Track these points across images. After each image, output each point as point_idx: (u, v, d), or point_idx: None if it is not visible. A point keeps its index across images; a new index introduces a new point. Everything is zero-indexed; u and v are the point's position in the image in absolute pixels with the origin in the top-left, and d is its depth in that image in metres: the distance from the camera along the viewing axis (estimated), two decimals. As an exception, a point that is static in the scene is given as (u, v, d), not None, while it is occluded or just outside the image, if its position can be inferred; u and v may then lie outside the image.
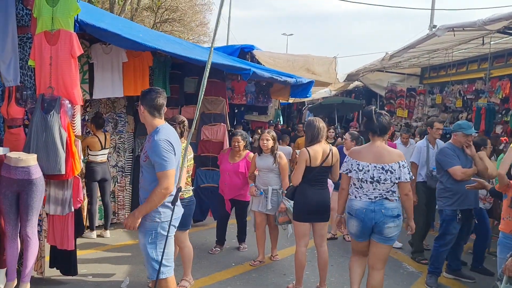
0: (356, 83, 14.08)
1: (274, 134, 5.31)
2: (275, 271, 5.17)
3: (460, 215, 4.77)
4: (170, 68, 6.67)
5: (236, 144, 5.59)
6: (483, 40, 7.82)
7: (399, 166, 3.76)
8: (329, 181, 4.76)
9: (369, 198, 3.78)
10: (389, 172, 3.74)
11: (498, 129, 8.84)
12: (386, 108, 12.87)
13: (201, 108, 7.00)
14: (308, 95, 8.72)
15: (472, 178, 4.40)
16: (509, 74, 8.51)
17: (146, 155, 3.26)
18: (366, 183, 3.78)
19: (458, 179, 4.74)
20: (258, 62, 9.50)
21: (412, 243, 6.01)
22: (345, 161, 3.99)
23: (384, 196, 3.75)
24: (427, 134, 6.11)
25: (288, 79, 7.72)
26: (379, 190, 3.75)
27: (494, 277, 4.99)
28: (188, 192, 4.39)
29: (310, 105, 17.47)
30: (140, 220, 3.20)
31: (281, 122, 14.05)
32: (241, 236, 6.00)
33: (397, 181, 3.76)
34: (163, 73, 6.49)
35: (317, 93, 15.63)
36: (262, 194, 5.22)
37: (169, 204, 3.24)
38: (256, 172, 5.35)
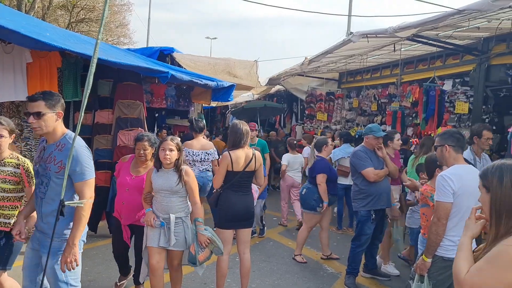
0: (278, 87, 14.27)
1: (179, 142, 3.99)
2: (195, 281, 5.00)
3: (374, 215, 4.94)
4: (82, 69, 6.27)
5: (142, 152, 4.22)
6: (394, 47, 8.23)
7: None
8: (254, 186, 4.69)
9: None
10: None
11: (409, 132, 9.36)
12: (306, 112, 13.20)
13: (117, 112, 6.66)
14: (230, 99, 8.66)
15: (408, 178, 4.70)
16: (418, 79, 9.05)
17: (60, 165, 2.87)
18: None
19: (371, 181, 4.91)
20: (179, 65, 9.29)
21: None
22: None
23: None
24: (472, 143, 5.01)
25: (209, 83, 7.61)
26: None
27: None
28: None
29: (233, 109, 17.47)
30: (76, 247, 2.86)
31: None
32: (139, 275, 4.49)
33: None
34: (73, 75, 6.09)
35: (240, 97, 15.65)
36: (163, 225, 3.90)
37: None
38: (152, 193, 4.05)
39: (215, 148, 6.46)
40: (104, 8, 1.90)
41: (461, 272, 1.86)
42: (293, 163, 7.79)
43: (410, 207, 5.28)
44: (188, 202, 4.01)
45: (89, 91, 2.09)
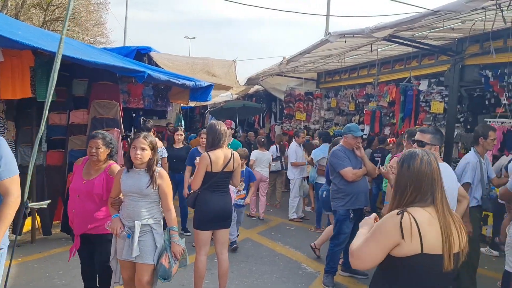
0: (257, 87, 14.26)
1: (154, 140, 3.56)
2: (173, 283, 4.92)
3: (352, 214, 4.96)
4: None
5: (94, 150, 3.66)
6: (371, 47, 8.30)
7: None
8: (231, 187, 4.66)
9: None
10: None
11: (386, 131, 9.48)
12: (285, 112, 13.23)
13: (92, 113, 6.54)
14: (208, 99, 8.62)
15: (387, 165, 4.59)
16: (395, 79, 9.16)
17: None
18: None
19: (349, 180, 4.93)
20: (156, 65, 9.20)
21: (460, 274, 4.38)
22: None
23: None
24: (477, 144, 4.77)
25: (187, 82, 7.56)
26: None
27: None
28: None
29: (212, 109, 17.41)
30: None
31: (183, 127, 13.79)
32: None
33: None
34: (47, 74, 5.93)
35: (219, 97, 15.60)
36: (129, 238, 3.43)
37: None
38: (121, 196, 3.59)
39: (163, 147, 6.78)
40: (68, 3, 1.85)
41: (353, 245, 2.10)
42: (261, 159, 8.54)
43: None
44: (160, 208, 3.58)
45: (53, 88, 2.03)
